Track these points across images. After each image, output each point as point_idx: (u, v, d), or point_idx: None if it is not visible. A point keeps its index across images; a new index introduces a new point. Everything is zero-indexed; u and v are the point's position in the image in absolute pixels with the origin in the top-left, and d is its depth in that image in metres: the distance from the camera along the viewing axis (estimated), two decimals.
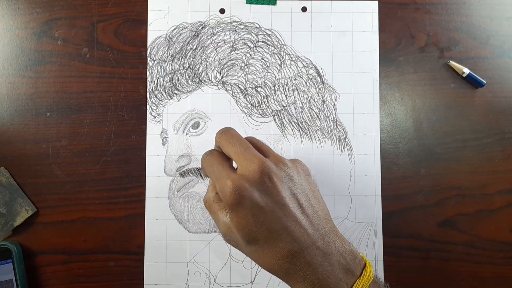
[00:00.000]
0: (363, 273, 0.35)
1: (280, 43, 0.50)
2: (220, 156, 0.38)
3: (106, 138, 0.49)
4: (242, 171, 0.35)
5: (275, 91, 0.49)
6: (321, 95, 0.50)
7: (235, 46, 0.49)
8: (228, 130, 0.38)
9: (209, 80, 0.49)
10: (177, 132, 0.49)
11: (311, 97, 0.50)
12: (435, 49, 0.51)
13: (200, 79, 0.49)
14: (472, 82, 0.50)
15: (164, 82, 0.49)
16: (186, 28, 0.50)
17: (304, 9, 0.50)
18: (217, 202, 0.38)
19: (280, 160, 0.37)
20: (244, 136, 0.49)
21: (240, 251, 0.37)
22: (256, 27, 0.50)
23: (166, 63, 0.49)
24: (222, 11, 0.50)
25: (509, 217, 0.50)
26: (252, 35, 0.50)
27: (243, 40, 0.50)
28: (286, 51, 0.50)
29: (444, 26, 0.51)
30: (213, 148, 0.40)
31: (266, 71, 0.49)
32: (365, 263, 0.36)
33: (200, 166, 0.49)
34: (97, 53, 0.49)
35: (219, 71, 0.49)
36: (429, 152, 0.50)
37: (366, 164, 0.49)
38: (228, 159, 0.38)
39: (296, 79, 0.50)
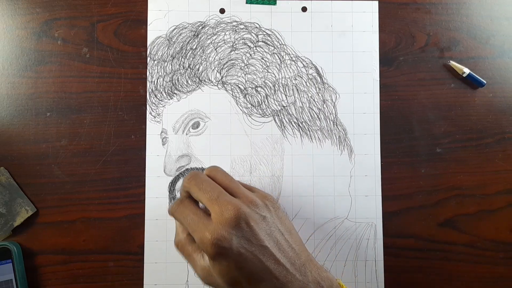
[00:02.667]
0: None
1: (280, 43, 0.50)
2: (191, 204, 0.38)
3: (106, 138, 0.49)
4: (218, 219, 0.35)
5: (275, 91, 0.49)
6: (321, 95, 0.50)
7: (235, 46, 0.49)
8: (196, 175, 0.38)
9: (209, 80, 0.49)
10: (177, 132, 0.49)
11: (311, 97, 0.50)
12: (435, 49, 0.51)
13: (200, 79, 0.49)
14: (472, 82, 0.50)
15: (164, 82, 0.49)
16: (186, 28, 0.50)
17: (304, 9, 0.50)
18: (190, 244, 0.38)
19: (251, 201, 0.37)
20: (243, 136, 0.49)
21: None
22: (256, 27, 0.50)
23: (166, 63, 0.49)
24: (222, 11, 0.50)
25: (509, 217, 0.50)
26: (252, 35, 0.50)
27: (243, 40, 0.50)
28: (286, 51, 0.50)
29: (444, 26, 0.51)
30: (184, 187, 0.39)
31: (266, 71, 0.49)
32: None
33: (200, 166, 0.49)
34: (97, 53, 0.49)
35: (219, 71, 0.49)
36: (429, 152, 0.50)
37: (366, 164, 0.49)
38: (198, 206, 0.38)
39: (296, 79, 0.50)
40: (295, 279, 0.36)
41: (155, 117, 0.49)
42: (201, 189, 0.37)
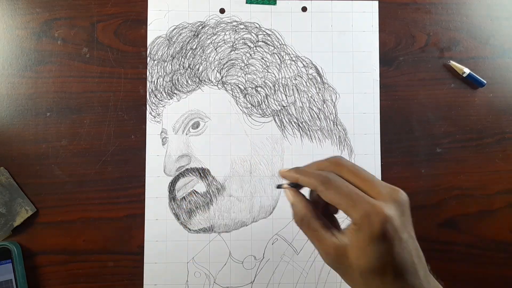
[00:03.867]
0: None
1: (280, 43, 0.50)
2: (345, 180, 0.34)
3: (106, 138, 0.49)
4: (383, 198, 0.32)
5: (275, 91, 0.49)
6: (321, 95, 0.50)
7: (235, 46, 0.49)
8: (344, 160, 0.35)
9: (209, 80, 0.49)
10: (177, 132, 0.49)
11: (311, 97, 0.50)
12: (435, 49, 0.51)
13: (200, 79, 0.49)
14: (472, 82, 0.50)
15: (164, 82, 0.49)
16: (186, 28, 0.50)
17: (304, 9, 0.50)
18: (318, 218, 0.34)
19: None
20: (243, 136, 0.49)
21: (343, 277, 0.34)
22: (256, 27, 0.50)
23: (166, 63, 0.49)
24: (222, 11, 0.50)
25: (509, 217, 0.50)
26: (252, 35, 0.50)
27: (243, 40, 0.50)
28: (286, 51, 0.50)
29: (444, 26, 0.51)
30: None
31: (266, 71, 0.49)
32: None
33: (200, 166, 0.48)
34: (97, 53, 0.49)
35: (219, 71, 0.49)
36: (429, 152, 0.50)
37: (366, 164, 0.49)
38: None
39: (296, 79, 0.50)
40: (425, 284, 0.33)
41: (155, 117, 0.49)
42: (355, 171, 0.34)
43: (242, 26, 0.50)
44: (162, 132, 0.49)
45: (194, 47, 0.49)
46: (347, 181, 0.34)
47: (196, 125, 0.49)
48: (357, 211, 0.32)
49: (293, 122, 0.49)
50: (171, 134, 0.49)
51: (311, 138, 0.49)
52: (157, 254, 0.48)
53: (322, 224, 0.34)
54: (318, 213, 0.35)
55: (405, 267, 0.32)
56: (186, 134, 0.49)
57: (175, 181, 0.48)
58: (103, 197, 0.48)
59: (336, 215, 0.37)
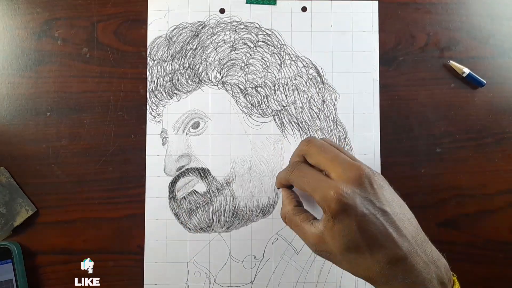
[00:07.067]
0: None
1: (280, 43, 0.50)
2: (308, 166, 0.37)
3: (106, 138, 0.49)
4: (341, 178, 0.34)
5: (275, 91, 0.49)
6: (321, 95, 0.50)
7: (235, 46, 0.49)
8: (314, 139, 0.38)
9: (209, 80, 0.49)
10: (177, 132, 0.49)
11: (311, 97, 0.50)
12: (435, 49, 0.51)
13: (200, 79, 0.49)
14: (472, 82, 0.50)
15: (164, 82, 0.49)
16: (186, 28, 0.50)
17: (304, 9, 0.50)
18: (298, 214, 0.38)
19: (369, 167, 0.36)
20: (243, 136, 0.49)
21: (331, 261, 0.36)
22: (256, 27, 0.50)
23: (166, 63, 0.49)
24: (222, 11, 0.50)
25: (509, 217, 0.50)
26: (252, 35, 0.50)
27: (243, 40, 0.50)
28: (286, 51, 0.50)
29: (444, 26, 0.51)
30: (283, 155, 0.41)
31: (266, 71, 0.49)
32: (454, 280, 0.36)
33: (200, 166, 0.48)
34: (97, 53, 0.49)
35: (219, 71, 0.49)
36: (429, 152, 0.50)
37: (366, 164, 0.49)
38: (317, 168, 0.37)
39: (296, 79, 0.50)
40: (417, 254, 0.34)
41: (155, 117, 0.49)
42: (322, 150, 0.36)
43: (242, 26, 0.50)
44: (162, 132, 0.49)
45: (194, 47, 0.49)
46: (316, 163, 0.37)
47: (196, 125, 0.49)
48: (317, 195, 0.34)
49: (293, 122, 0.49)
50: (171, 134, 0.49)
51: None
52: (157, 254, 0.48)
53: (303, 217, 0.37)
54: (299, 209, 0.38)
55: (379, 241, 0.33)
56: (186, 134, 0.49)
57: (175, 181, 0.48)
58: (103, 197, 0.48)
59: None
